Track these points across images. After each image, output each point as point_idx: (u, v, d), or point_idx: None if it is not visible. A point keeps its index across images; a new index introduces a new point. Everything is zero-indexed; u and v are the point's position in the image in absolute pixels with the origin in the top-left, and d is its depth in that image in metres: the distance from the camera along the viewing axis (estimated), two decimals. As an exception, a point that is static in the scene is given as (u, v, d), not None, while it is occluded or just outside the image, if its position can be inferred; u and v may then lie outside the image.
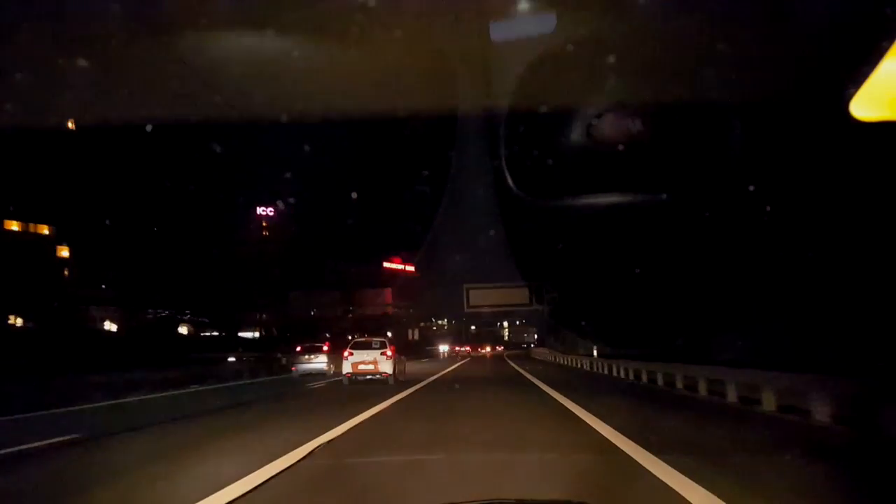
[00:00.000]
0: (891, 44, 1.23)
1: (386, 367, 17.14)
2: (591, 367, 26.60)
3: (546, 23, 5.60)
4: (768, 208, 13.30)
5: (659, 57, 2.85)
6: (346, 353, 18.75)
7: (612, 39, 2.91)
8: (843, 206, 11.56)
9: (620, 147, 2.62)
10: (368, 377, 17.22)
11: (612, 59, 2.75)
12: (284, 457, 5.51)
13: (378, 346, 18.10)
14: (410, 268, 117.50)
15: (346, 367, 17.24)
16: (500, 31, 6.06)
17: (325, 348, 27.19)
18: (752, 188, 11.00)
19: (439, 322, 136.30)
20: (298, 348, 26.82)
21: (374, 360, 17.43)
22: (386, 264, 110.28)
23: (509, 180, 2.89)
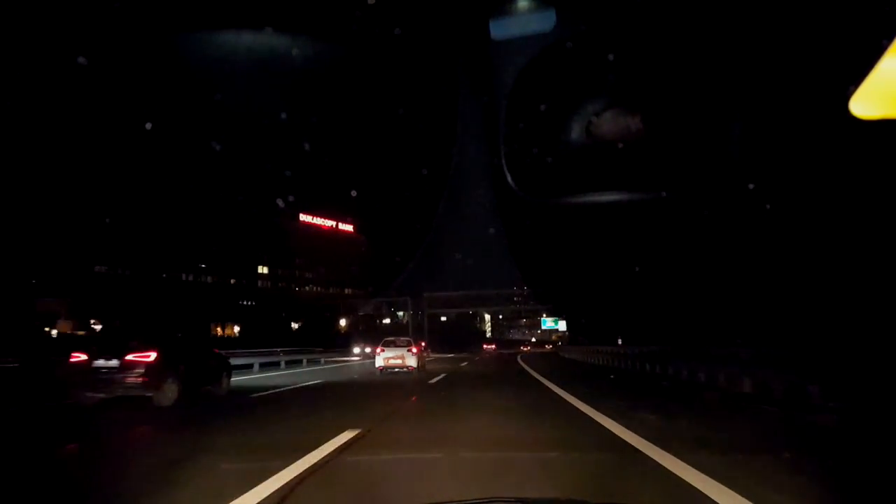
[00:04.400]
0: (891, 41, 1.22)
1: (412, 361, 21.28)
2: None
3: (546, 20, 5.61)
4: (768, 206, 13.32)
5: (659, 55, 2.84)
6: (378, 350, 22.33)
7: (611, 37, 2.90)
8: (843, 204, 11.57)
9: (620, 145, 2.62)
10: (396, 370, 20.84)
11: (611, 56, 2.74)
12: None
13: (405, 344, 22.17)
14: (347, 227, 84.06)
15: (379, 362, 21.16)
16: (499, 29, 6.07)
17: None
18: (751, 186, 11.00)
19: (399, 313, 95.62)
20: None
21: (401, 356, 21.51)
22: (304, 217, 78.02)
23: (509, 178, 2.89)
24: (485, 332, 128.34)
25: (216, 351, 14.49)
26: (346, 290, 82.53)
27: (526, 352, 79.12)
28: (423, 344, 62.61)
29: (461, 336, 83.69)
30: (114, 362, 11.18)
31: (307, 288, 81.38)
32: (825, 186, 11.72)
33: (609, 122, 2.65)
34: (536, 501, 3.56)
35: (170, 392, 11.34)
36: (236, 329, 64.65)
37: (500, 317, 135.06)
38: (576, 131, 2.69)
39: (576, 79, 2.84)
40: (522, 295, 74.63)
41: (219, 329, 62.41)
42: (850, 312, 11.59)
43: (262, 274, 75.93)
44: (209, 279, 65.53)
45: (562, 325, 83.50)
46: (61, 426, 9.33)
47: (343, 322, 76.89)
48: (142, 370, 11.04)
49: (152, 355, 11.25)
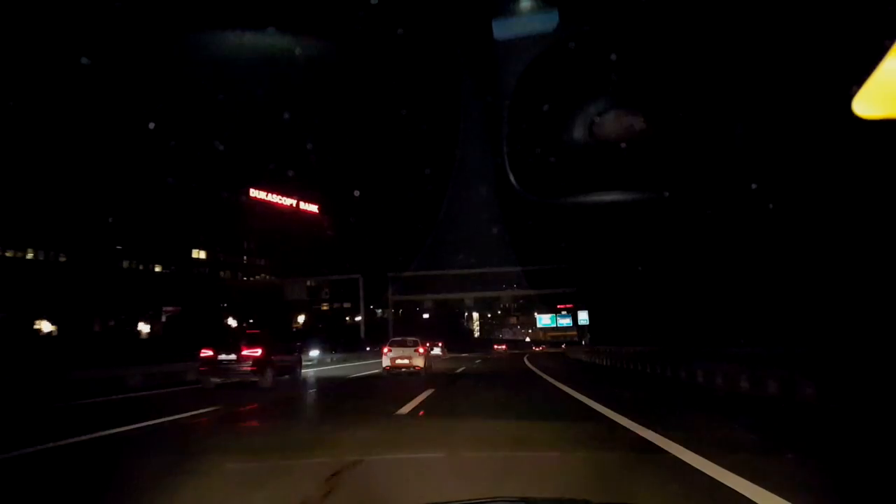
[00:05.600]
0: (893, 41, 1.23)
1: (419, 362, 21.70)
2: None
3: (549, 20, 5.61)
4: (771, 206, 13.31)
5: (662, 55, 2.85)
6: (385, 350, 22.85)
7: (614, 37, 2.91)
8: (845, 204, 11.54)
9: (623, 145, 2.62)
10: (403, 370, 21.21)
11: (614, 56, 2.75)
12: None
13: (412, 344, 22.43)
14: (311, 207, 70.73)
15: (386, 362, 21.84)
16: (502, 29, 6.06)
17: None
18: (754, 186, 11.00)
19: (378, 311, 79.81)
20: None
21: (409, 356, 21.65)
22: (255, 193, 64.41)
23: (511, 178, 2.90)
24: (472, 330, 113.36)
25: (295, 347, 19.65)
26: (310, 283, 68.32)
27: (538, 352, 71.96)
28: (440, 343, 59.47)
29: (447, 336, 68.92)
30: (232, 356, 15.46)
31: (258, 277, 66.93)
32: (828, 186, 11.70)
33: (612, 122, 2.66)
34: (539, 501, 3.56)
35: (269, 377, 15.68)
36: (145, 329, 50.14)
37: (489, 315, 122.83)
38: (579, 131, 2.69)
39: (579, 79, 2.84)
40: (515, 275, 59.77)
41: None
42: (855, 311, 11.57)
43: (198, 260, 61.53)
44: (126, 264, 52.58)
45: (581, 317, 67.25)
46: (228, 397, 13.60)
47: (301, 319, 64.45)
48: (251, 362, 15.38)
49: (259, 351, 15.58)
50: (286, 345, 18.48)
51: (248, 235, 63.91)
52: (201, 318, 50.85)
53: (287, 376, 17.35)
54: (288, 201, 66.93)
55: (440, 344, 58.33)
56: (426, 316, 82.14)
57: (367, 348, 46.99)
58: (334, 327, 59.99)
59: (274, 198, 66.02)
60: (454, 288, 57.29)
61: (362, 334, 47.66)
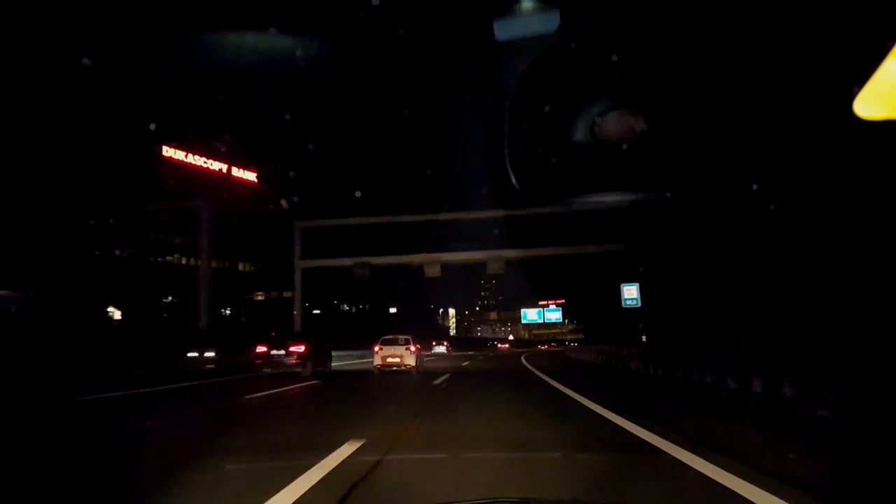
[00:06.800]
0: (895, 42, 1.23)
1: (410, 360, 21.75)
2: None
3: (550, 21, 5.62)
4: (772, 207, 13.32)
5: (663, 56, 2.86)
6: (376, 348, 22.99)
7: (616, 38, 2.92)
8: (846, 205, 11.55)
9: (624, 146, 2.63)
10: (394, 368, 21.22)
11: (615, 57, 2.75)
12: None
13: (403, 342, 22.32)
14: (247, 175, 53.62)
15: (377, 360, 22.08)
16: (503, 30, 6.08)
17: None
18: (755, 187, 11.00)
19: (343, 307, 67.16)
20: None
21: (400, 355, 21.64)
22: (169, 152, 47.88)
23: (513, 179, 2.90)
24: (448, 328, 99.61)
25: (326, 345, 22.66)
26: (243, 266, 53.73)
27: (542, 351, 65.06)
28: (445, 343, 58.78)
29: (416, 333, 52.66)
30: (281, 351, 19.21)
31: (171, 258, 52.21)
32: (828, 187, 11.71)
33: (613, 123, 2.66)
34: (539, 502, 3.56)
35: (309, 369, 19.19)
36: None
37: (467, 312, 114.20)
38: (580, 132, 2.70)
39: (580, 80, 2.85)
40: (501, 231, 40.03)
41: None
42: (855, 311, 11.57)
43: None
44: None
45: (629, 295, 51.66)
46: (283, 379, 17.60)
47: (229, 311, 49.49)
48: (295, 356, 19.04)
49: (303, 348, 19.27)
50: (321, 342, 21.90)
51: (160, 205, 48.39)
52: (69, 307, 39.36)
53: (321, 368, 20.72)
54: (217, 166, 51.94)
55: (445, 343, 58.50)
56: (393, 310, 73.34)
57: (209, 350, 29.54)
58: (271, 321, 42.58)
59: (196, 160, 49.40)
60: (414, 248, 37.52)
61: (202, 322, 30.57)
